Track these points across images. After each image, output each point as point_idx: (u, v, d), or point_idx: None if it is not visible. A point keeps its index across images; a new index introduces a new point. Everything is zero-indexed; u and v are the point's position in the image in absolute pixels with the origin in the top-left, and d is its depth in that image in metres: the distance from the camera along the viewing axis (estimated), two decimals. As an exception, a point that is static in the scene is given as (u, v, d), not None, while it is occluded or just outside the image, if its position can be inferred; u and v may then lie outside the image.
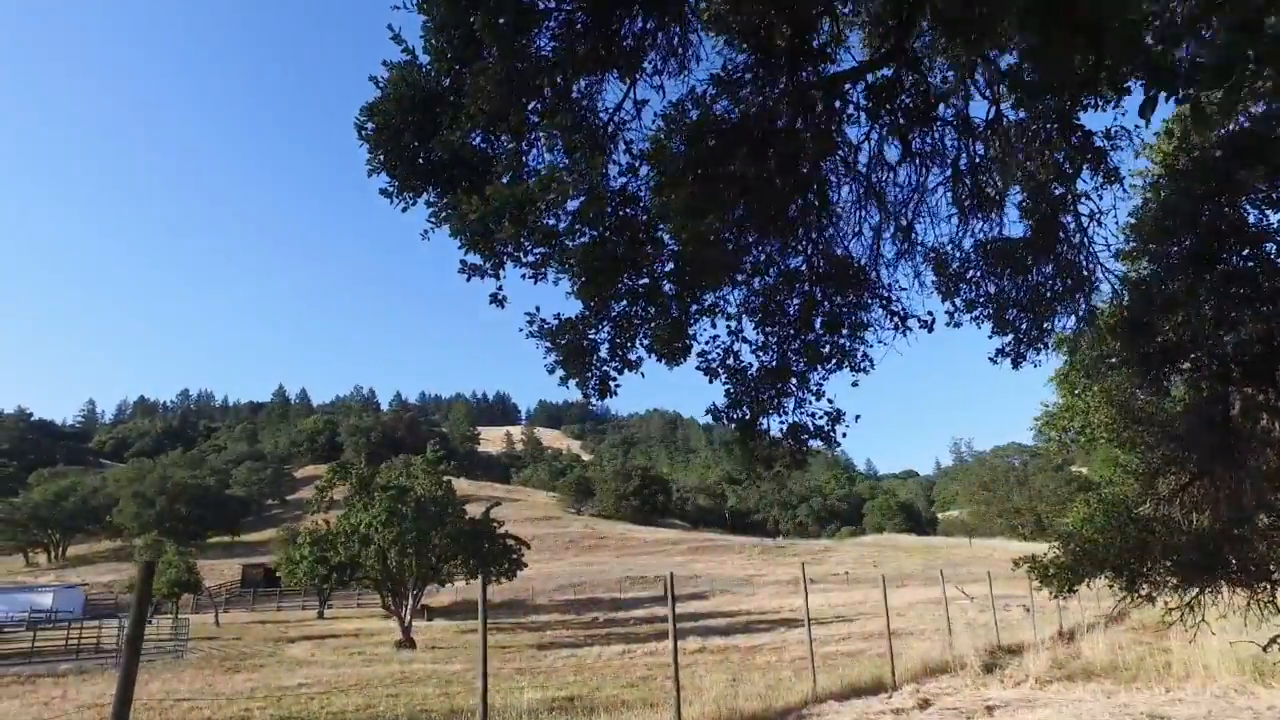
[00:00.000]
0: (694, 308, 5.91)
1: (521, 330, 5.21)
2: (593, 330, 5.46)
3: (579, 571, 66.67)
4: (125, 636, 3.18)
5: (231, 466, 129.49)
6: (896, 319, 6.14)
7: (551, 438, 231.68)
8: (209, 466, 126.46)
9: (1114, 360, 8.64)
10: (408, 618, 31.10)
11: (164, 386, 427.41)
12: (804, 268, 6.18)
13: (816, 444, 5.92)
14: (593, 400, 5.52)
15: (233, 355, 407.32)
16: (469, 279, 5.03)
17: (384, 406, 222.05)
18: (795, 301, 6.19)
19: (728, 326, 6.03)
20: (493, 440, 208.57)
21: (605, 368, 5.52)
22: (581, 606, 49.71)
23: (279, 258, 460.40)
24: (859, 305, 6.31)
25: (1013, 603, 30.96)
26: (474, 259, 5.07)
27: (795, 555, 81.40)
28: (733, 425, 5.96)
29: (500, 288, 5.31)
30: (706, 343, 5.95)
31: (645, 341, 5.70)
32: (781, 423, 6.02)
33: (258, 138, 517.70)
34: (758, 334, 6.13)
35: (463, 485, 79.37)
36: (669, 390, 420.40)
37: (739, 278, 6.06)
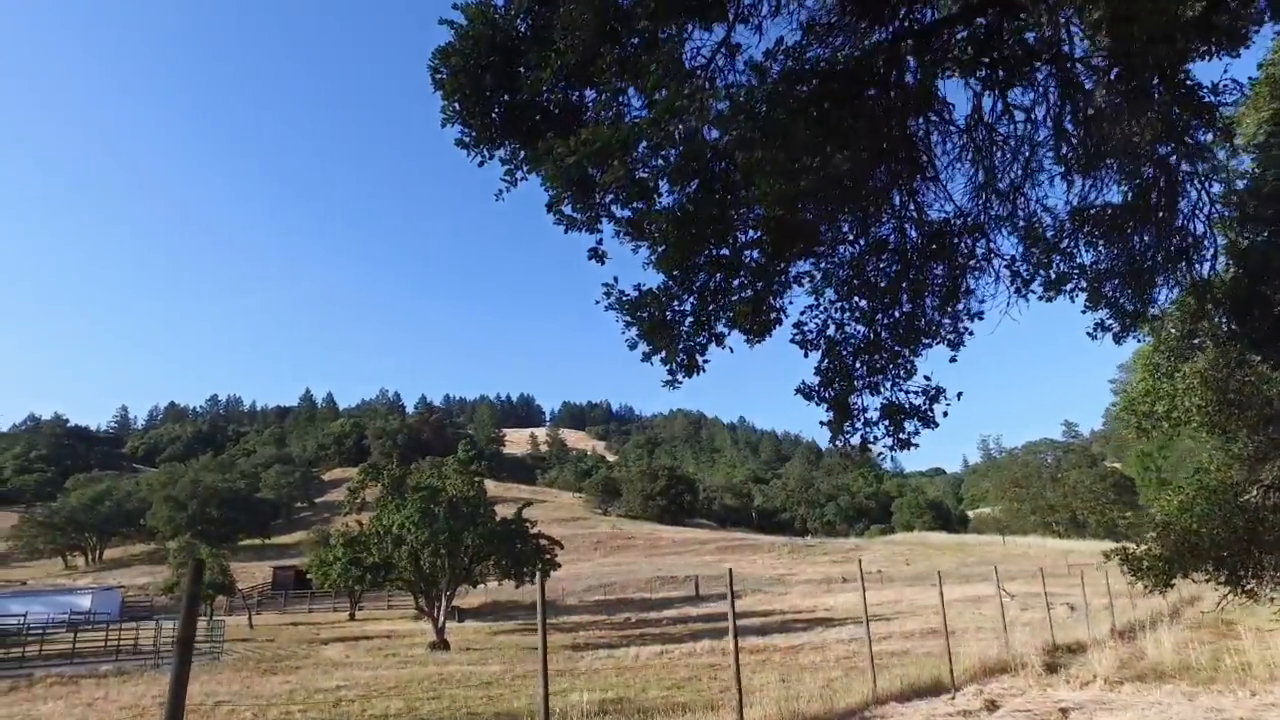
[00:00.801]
0: (778, 280, 5.46)
1: (598, 303, 4.80)
2: (676, 302, 5.01)
3: (608, 572, 66.35)
4: (176, 636, 2.80)
5: (261, 470, 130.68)
6: (1019, 282, 5.62)
7: (576, 439, 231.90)
8: (239, 470, 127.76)
9: (1199, 340, 8.05)
10: (441, 619, 30.87)
11: (193, 392, 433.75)
12: (895, 235, 5.69)
13: (914, 425, 5.43)
14: (679, 376, 5.09)
15: (259, 360, 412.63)
16: (566, 231, 4.61)
17: (409, 409, 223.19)
18: (887, 271, 5.70)
19: (823, 297, 5.56)
20: (517, 442, 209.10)
21: (690, 342, 5.08)
22: (612, 607, 49.35)
23: (301, 263, 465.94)
24: (952, 275, 5.81)
25: (1055, 601, 30.12)
26: (569, 210, 4.64)
27: (825, 554, 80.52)
28: (825, 405, 5.49)
29: (600, 242, 4.88)
30: (803, 312, 5.49)
31: (728, 315, 5.25)
32: (880, 401, 5.53)
33: (281, 142, 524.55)
34: (848, 307, 5.65)
35: (489, 487, 79.29)
36: (692, 391, 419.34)
37: (824, 247, 5.60)
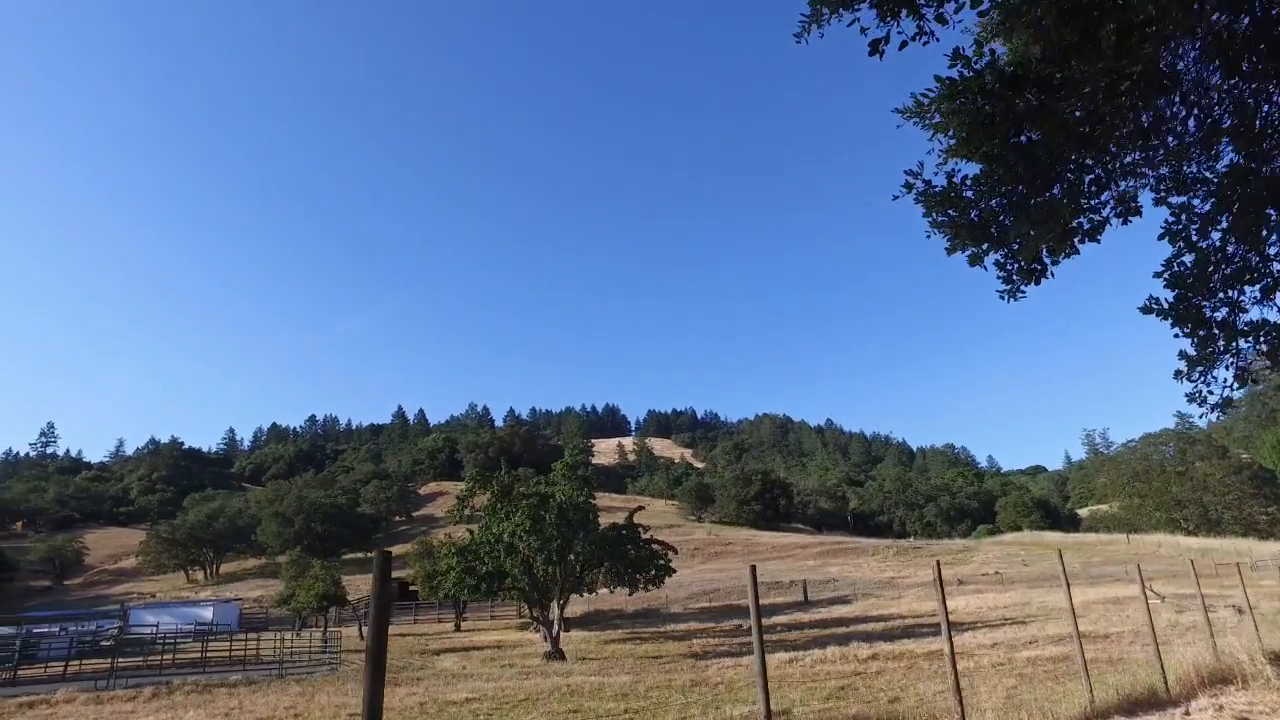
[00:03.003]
0: (1095, 173, 4.17)
1: (896, 197, 3.63)
2: (997, 198, 3.79)
3: (709, 578, 64.88)
4: (367, 648, 1.83)
5: (360, 485, 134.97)
6: None
7: (662, 447, 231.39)
8: (339, 486, 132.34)
9: None
10: (556, 628, 30.18)
11: (292, 413, 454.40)
12: (1234, 115, 4.31)
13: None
14: (1020, 285, 3.87)
15: (352, 381, 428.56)
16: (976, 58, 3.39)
17: (498, 423, 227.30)
18: (1234, 160, 4.33)
19: (1160, 193, 4.22)
20: (605, 452, 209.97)
21: (1028, 239, 3.84)
22: (719, 614, 47.92)
23: (386, 284, 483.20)
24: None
25: (1215, 603, 27.20)
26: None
27: (933, 555, 76.80)
28: (1185, 325, 4.16)
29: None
30: (1177, 206, 4.16)
31: (1036, 219, 3.99)
32: (1253, 319, 4.16)
33: (364, 169, 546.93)
34: (1193, 204, 4.30)
35: (583, 495, 79.18)
36: (777, 394, 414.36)
37: (1156, 128, 4.28)
